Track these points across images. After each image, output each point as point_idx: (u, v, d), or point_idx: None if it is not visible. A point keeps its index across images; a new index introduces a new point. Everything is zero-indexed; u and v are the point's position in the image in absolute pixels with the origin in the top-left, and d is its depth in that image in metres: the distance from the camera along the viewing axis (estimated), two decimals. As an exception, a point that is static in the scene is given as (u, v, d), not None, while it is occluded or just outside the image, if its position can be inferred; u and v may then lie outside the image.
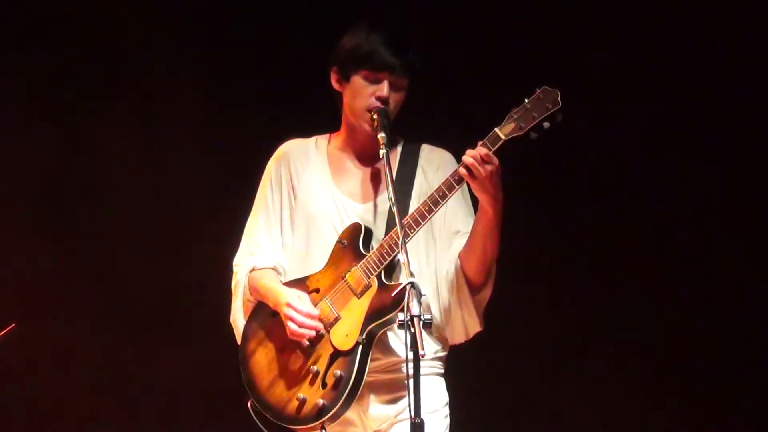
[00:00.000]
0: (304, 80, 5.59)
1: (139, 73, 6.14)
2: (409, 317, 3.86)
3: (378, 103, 4.39)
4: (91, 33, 6.12)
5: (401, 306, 4.02)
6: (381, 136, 4.32)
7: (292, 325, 4.31)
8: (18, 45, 6.12)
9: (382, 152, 4.28)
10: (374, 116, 4.36)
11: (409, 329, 3.86)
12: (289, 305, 4.33)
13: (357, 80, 4.43)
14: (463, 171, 4.22)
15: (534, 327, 5.83)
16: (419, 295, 3.89)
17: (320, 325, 4.33)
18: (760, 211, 5.74)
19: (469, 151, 4.22)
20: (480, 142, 4.24)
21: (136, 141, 6.16)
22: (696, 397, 5.78)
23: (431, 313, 4.39)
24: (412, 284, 3.90)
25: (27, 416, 6.07)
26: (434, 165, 4.48)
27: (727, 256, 5.77)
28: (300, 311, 4.32)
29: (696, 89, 5.75)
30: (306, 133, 4.62)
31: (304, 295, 4.38)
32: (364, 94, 4.41)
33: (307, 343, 4.33)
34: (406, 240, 4.25)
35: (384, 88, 4.39)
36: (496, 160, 4.20)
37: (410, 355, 3.87)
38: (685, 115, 5.77)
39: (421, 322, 3.85)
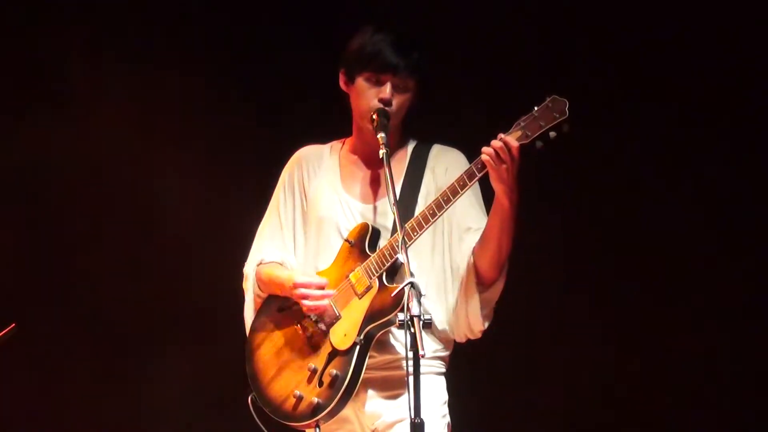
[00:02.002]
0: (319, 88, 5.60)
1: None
2: (409, 317, 3.87)
3: (381, 105, 4.40)
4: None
5: (400, 307, 4.04)
6: (381, 136, 4.34)
7: (306, 302, 4.34)
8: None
9: (381, 152, 4.29)
10: (374, 116, 4.38)
11: (409, 329, 3.87)
12: (296, 284, 4.36)
13: (361, 82, 4.44)
14: (485, 158, 4.18)
15: (537, 326, 5.81)
16: (419, 295, 3.89)
17: (334, 292, 4.35)
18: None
19: (493, 141, 4.20)
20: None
21: (140, 144, 6.16)
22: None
23: (431, 313, 4.40)
24: (412, 284, 3.90)
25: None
26: (443, 165, 4.49)
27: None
28: (309, 285, 4.35)
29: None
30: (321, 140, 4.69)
31: (307, 272, 4.41)
32: (368, 96, 4.42)
33: (337, 315, 4.35)
34: (415, 237, 4.29)
35: (386, 90, 4.40)
36: (516, 153, 4.19)
37: (410, 355, 3.88)
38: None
39: (421, 322, 3.86)
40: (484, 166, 4.21)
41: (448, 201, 4.25)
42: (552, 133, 4.21)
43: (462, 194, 4.25)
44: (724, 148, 5.71)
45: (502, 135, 4.20)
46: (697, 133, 5.72)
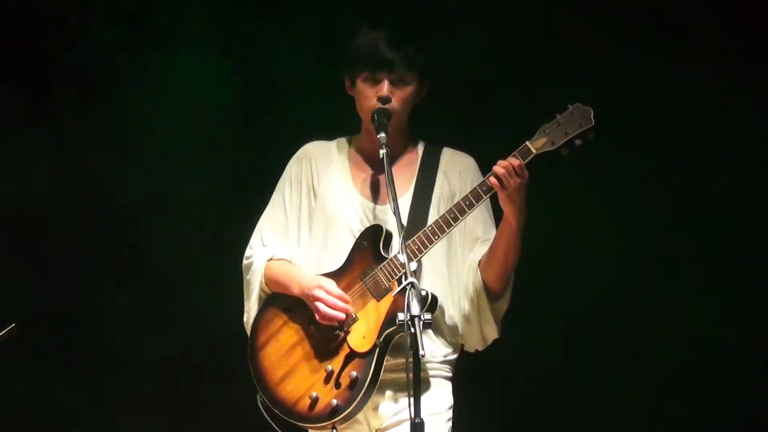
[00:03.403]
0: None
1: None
2: (409, 317, 3.87)
3: (380, 104, 4.41)
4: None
5: (425, 307, 4.08)
6: (381, 136, 4.35)
7: (322, 307, 4.31)
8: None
9: (381, 152, 4.29)
10: (375, 116, 4.39)
11: (409, 329, 3.87)
12: (320, 287, 4.34)
13: (360, 83, 4.46)
14: (493, 180, 4.23)
15: (542, 330, 5.82)
16: (419, 295, 3.90)
17: (351, 309, 4.34)
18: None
19: (501, 162, 4.23)
20: (512, 154, 4.25)
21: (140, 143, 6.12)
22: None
23: (445, 318, 4.43)
24: (412, 284, 3.91)
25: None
26: (456, 169, 4.50)
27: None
28: (332, 293, 4.33)
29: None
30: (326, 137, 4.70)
31: (333, 282, 4.38)
32: (368, 96, 4.44)
33: (354, 317, 4.33)
34: (429, 247, 4.30)
35: (384, 88, 4.41)
36: (526, 173, 4.22)
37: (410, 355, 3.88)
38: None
39: (421, 323, 3.86)
40: (490, 188, 4.25)
41: (456, 219, 4.29)
42: (578, 141, 4.23)
43: (469, 213, 4.29)
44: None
45: (512, 158, 4.22)
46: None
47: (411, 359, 3.88)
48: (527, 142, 4.25)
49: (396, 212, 4.14)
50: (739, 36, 5.54)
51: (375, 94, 4.41)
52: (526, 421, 5.78)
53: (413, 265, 4.09)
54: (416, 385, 3.89)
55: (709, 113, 5.59)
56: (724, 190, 5.62)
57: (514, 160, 4.22)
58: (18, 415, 5.93)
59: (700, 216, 5.65)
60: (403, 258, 4.03)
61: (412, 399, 3.88)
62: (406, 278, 4.22)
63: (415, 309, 3.86)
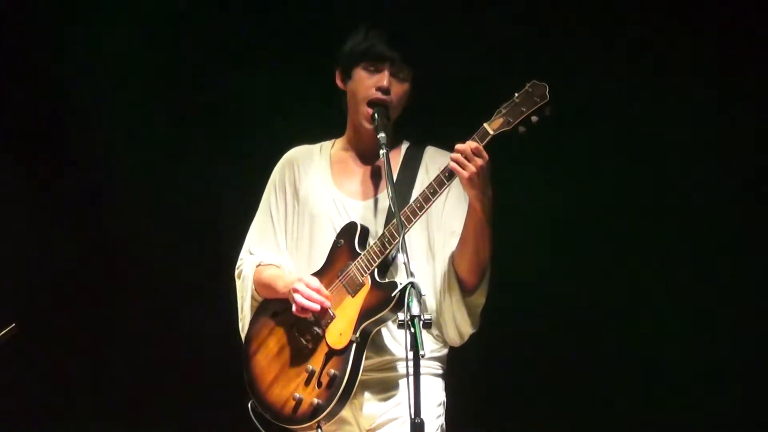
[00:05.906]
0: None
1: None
2: (409, 317, 3.86)
3: (379, 94, 4.40)
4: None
5: (393, 304, 4.10)
6: (381, 136, 4.34)
7: (298, 298, 4.32)
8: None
9: (381, 152, 4.29)
10: (375, 116, 4.38)
11: (409, 329, 3.85)
12: (300, 280, 4.35)
13: (358, 72, 4.45)
14: (452, 164, 4.22)
15: (535, 327, 5.81)
16: (419, 295, 3.89)
17: (328, 303, 4.34)
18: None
19: (459, 146, 4.23)
20: (470, 138, 4.24)
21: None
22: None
23: (430, 313, 4.41)
24: (412, 284, 3.89)
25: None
26: (437, 165, 4.46)
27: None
28: (310, 285, 4.34)
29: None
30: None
31: (315, 278, 4.39)
32: (365, 85, 4.43)
33: (331, 315, 4.33)
34: (398, 238, 4.27)
35: (384, 79, 4.40)
36: (485, 154, 4.21)
37: (410, 354, 3.86)
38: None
39: (421, 322, 3.85)
40: (451, 173, 4.24)
41: (421, 208, 4.28)
42: (534, 118, 4.22)
43: (434, 201, 4.27)
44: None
45: (470, 141, 4.22)
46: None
47: (410, 359, 3.86)
48: (485, 124, 4.25)
49: (396, 211, 4.15)
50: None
51: (374, 84, 4.41)
52: (518, 418, 5.77)
53: (403, 258, 4.05)
54: (416, 384, 3.86)
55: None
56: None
57: (471, 143, 4.22)
58: (18, 415, 5.98)
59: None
60: (403, 258, 4.01)
61: (412, 399, 3.85)
62: (380, 270, 4.35)
63: (415, 309, 3.85)
